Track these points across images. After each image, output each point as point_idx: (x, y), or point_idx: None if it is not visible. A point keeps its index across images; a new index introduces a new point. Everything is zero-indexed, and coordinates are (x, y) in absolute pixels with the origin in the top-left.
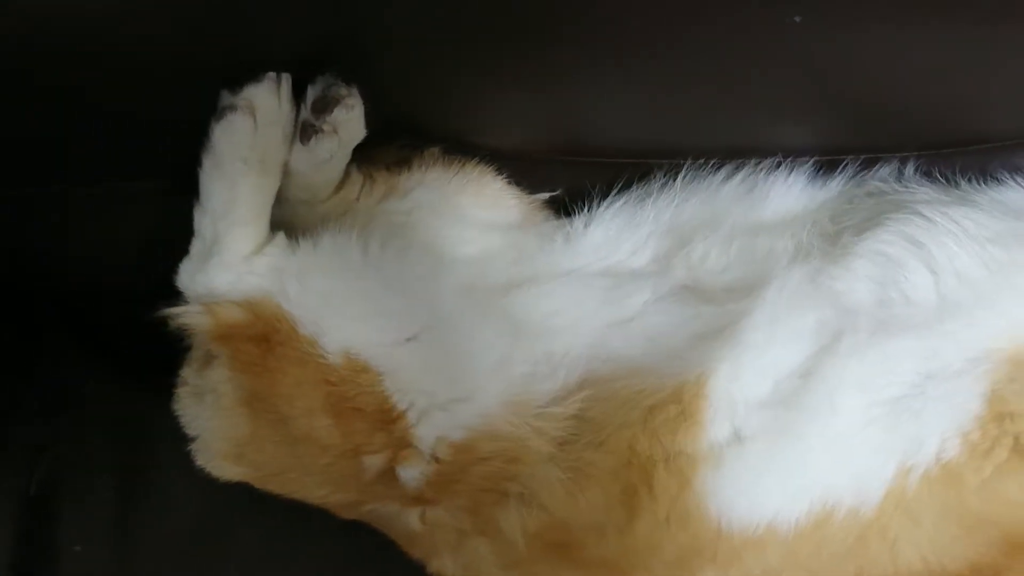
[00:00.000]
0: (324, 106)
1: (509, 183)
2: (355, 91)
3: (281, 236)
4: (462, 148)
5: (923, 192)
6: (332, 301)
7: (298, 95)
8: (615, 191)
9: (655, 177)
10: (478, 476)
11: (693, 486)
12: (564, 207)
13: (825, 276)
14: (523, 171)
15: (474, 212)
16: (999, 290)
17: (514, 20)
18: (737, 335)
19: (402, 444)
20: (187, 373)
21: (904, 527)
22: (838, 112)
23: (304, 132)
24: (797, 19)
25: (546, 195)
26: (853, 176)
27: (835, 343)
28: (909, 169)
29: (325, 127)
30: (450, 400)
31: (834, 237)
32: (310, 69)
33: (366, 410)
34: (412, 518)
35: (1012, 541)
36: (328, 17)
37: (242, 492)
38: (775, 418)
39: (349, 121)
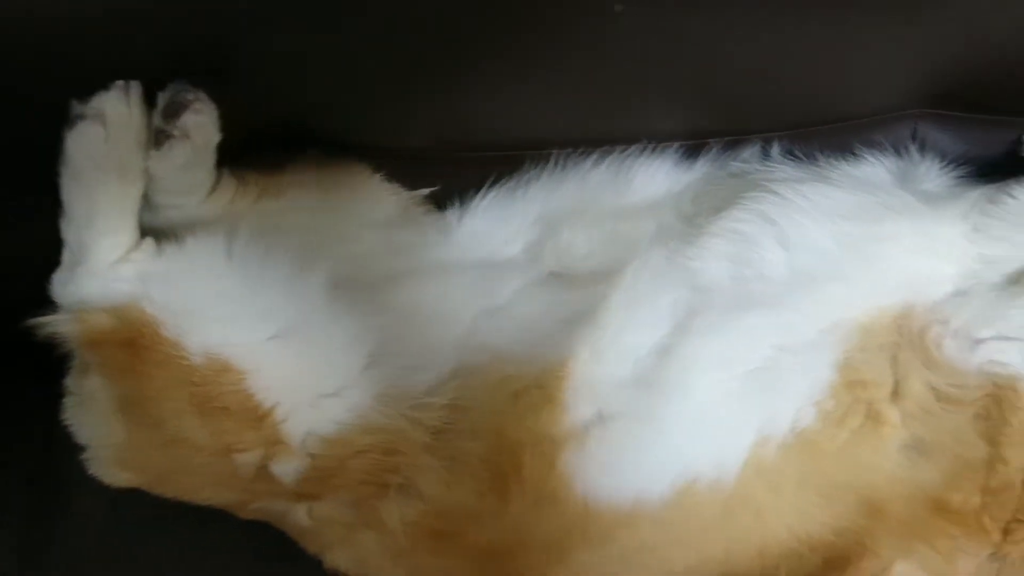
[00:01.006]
0: (173, 111)
1: (387, 180)
2: (203, 95)
3: (149, 241)
4: (340, 147)
5: (781, 171)
6: (194, 303)
7: None
8: (489, 184)
9: (527, 168)
10: (356, 469)
11: (559, 468)
12: (445, 201)
13: (681, 256)
14: (402, 167)
15: (349, 209)
16: (849, 262)
17: (386, 21)
18: (596, 318)
19: (272, 441)
20: (69, 382)
21: (766, 497)
22: (702, 96)
23: (157, 138)
24: (618, 8)
25: (425, 191)
26: (718, 158)
27: (690, 321)
28: (774, 149)
29: (176, 132)
30: (319, 395)
31: (693, 218)
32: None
33: (232, 409)
34: (301, 514)
35: (870, 504)
36: (205, 23)
37: (149, 499)
38: (635, 397)
39: (200, 125)
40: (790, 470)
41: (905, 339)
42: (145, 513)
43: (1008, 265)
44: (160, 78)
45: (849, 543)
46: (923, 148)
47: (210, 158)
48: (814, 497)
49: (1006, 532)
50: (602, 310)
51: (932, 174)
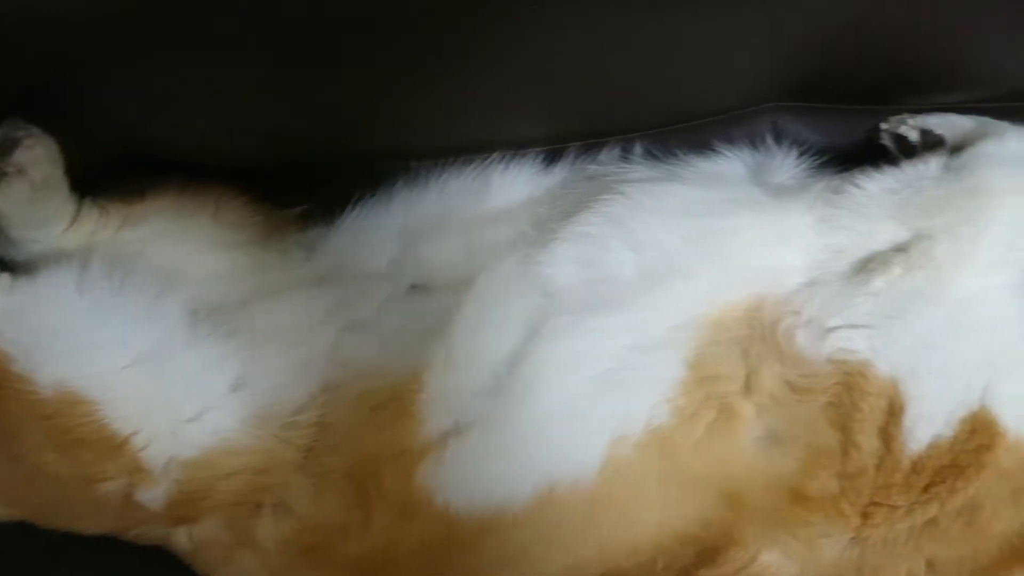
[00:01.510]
0: (5, 149)
1: (252, 201)
2: (36, 131)
3: (4, 277)
4: (204, 170)
5: (634, 172)
6: (44, 336)
7: None
8: (355, 199)
9: (390, 181)
10: (227, 491)
11: (418, 480)
12: (318, 218)
13: (532, 262)
14: (268, 187)
15: (212, 233)
16: (695, 259)
17: (238, 39)
18: (449, 329)
19: (133, 469)
20: None
21: (629, 495)
22: (558, 102)
23: None
24: None
25: (294, 209)
26: (577, 162)
27: (542, 326)
28: (635, 150)
29: (10, 169)
30: (179, 421)
31: (547, 224)
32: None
33: (88, 440)
34: (182, 537)
35: (730, 496)
36: (51, 51)
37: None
38: (490, 405)
39: (35, 160)
40: (649, 467)
41: (757, 332)
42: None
43: (854, 254)
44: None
45: (715, 535)
46: (782, 141)
47: (57, 191)
48: (676, 492)
49: (865, 516)
50: (455, 320)
51: (785, 167)
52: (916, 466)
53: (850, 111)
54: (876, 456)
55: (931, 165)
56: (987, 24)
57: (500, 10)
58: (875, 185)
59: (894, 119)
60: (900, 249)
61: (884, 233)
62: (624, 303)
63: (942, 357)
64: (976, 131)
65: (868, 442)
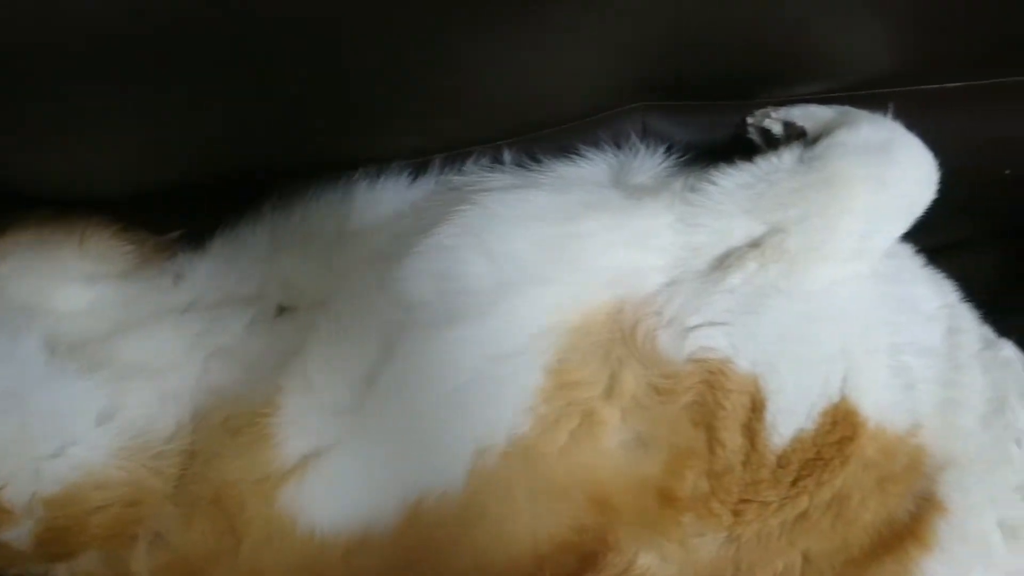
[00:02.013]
0: None
1: (123, 229)
2: None
3: None
4: (70, 202)
5: (495, 180)
6: None
7: None
8: (226, 222)
9: (260, 202)
10: (99, 525)
11: (281, 504)
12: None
13: (389, 278)
14: (142, 214)
15: (78, 266)
16: (551, 265)
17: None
18: (308, 348)
19: None
20: None
21: (499, 506)
22: (423, 112)
23: None
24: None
25: (172, 235)
26: (443, 173)
27: (398, 342)
28: (505, 157)
29: None
30: (39, 458)
31: (406, 237)
32: None
33: None
34: (62, 573)
35: (601, 502)
36: None
37: None
38: (350, 425)
39: None
40: (516, 477)
41: (618, 335)
42: None
43: (712, 251)
44: None
45: (592, 540)
46: (651, 140)
47: None
48: (546, 500)
49: (736, 513)
50: (312, 340)
51: (647, 167)
52: (782, 461)
53: (717, 107)
54: (742, 453)
55: (785, 158)
56: (841, 13)
57: (354, 26)
58: (730, 181)
59: (758, 113)
60: (755, 244)
61: (740, 229)
62: (480, 314)
63: (799, 350)
64: (835, 121)
65: (733, 439)
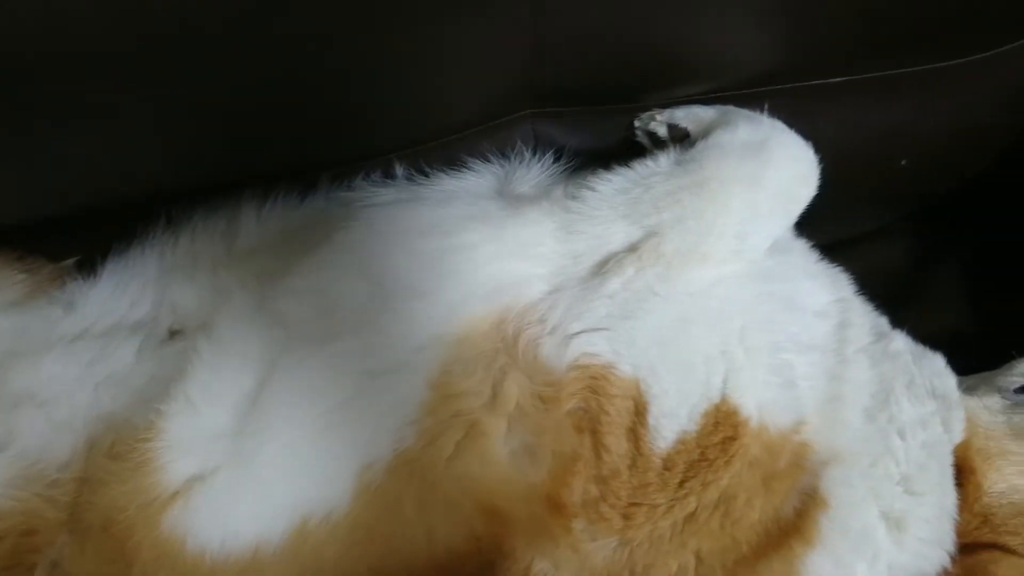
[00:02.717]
0: None
1: (18, 258)
2: None
3: None
4: None
5: (379, 195)
6: None
7: None
8: (116, 248)
9: (149, 226)
10: None
11: (168, 528)
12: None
13: (269, 299)
14: (36, 242)
15: None
16: (433, 279)
17: None
18: (189, 371)
19: None
20: None
21: (389, 522)
22: (306, 126)
23: None
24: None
25: (68, 262)
26: (334, 188)
27: (278, 361)
28: (397, 171)
29: None
30: None
31: (289, 256)
32: None
33: None
34: None
35: (491, 511)
36: None
37: None
38: (233, 446)
39: None
40: (405, 491)
41: (502, 345)
42: None
43: (592, 257)
44: None
45: (488, 549)
46: (542, 148)
47: None
48: (436, 512)
49: (626, 517)
50: (193, 363)
51: (530, 176)
52: (667, 463)
53: (605, 112)
54: (628, 457)
55: (661, 161)
56: (717, 13)
57: (242, 42)
58: (608, 187)
59: (645, 116)
60: (633, 249)
61: (618, 234)
62: (360, 330)
63: (679, 353)
64: (716, 121)
65: (618, 444)
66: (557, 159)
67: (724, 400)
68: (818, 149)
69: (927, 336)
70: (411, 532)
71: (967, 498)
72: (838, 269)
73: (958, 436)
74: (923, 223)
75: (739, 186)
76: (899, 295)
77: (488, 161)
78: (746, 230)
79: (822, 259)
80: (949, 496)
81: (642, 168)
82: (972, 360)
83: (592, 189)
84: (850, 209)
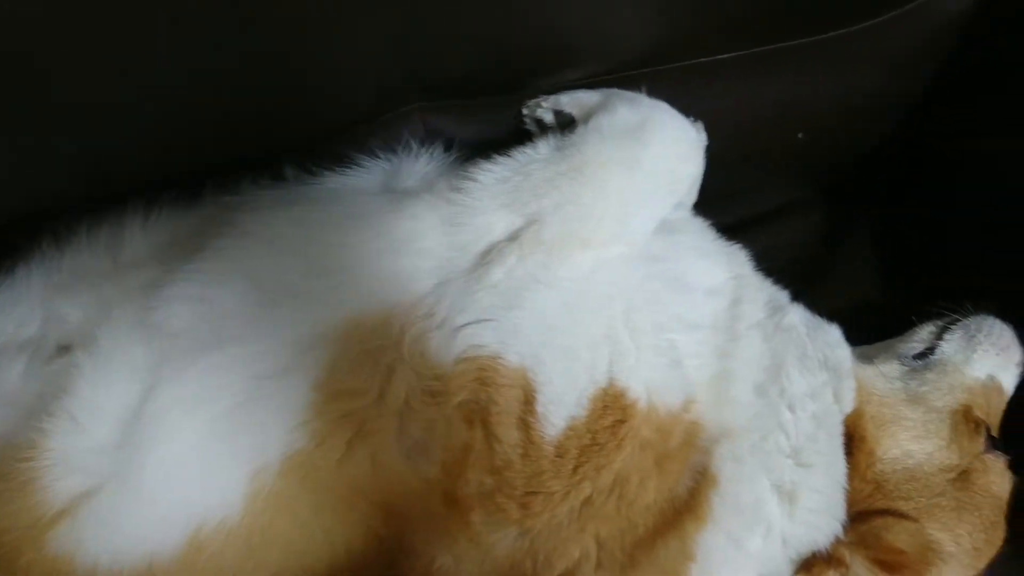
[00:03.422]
0: None
1: None
2: None
3: None
4: None
5: (265, 198)
6: None
7: None
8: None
9: (34, 244)
10: None
11: (56, 547)
12: None
13: (151, 310)
14: None
15: None
16: (316, 280)
17: None
18: (72, 387)
19: None
20: None
21: (285, 525)
22: (184, 131)
23: None
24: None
25: None
26: (220, 194)
27: (161, 372)
28: (287, 172)
29: None
30: None
31: (172, 264)
32: None
33: None
34: None
35: (388, 508)
36: None
37: None
38: (120, 459)
39: None
40: (297, 494)
41: (390, 342)
42: None
43: (476, 248)
44: None
45: (389, 547)
46: (433, 141)
47: None
48: (332, 513)
49: (524, 507)
50: (75, 378)
51: (418, 169)
52: (559, 450)
53: (494, 102)
54: (520, 446)
55: (541, 148)
56: None
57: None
58: (488, 176)
59: (531, 103)
60: (514, 237)
61: (500, 223)
62: (243, 335)
63: (563, 340)
64: (598, 105)
65: (509, 434)
66: (448, 151)
67: (611, 383)
68: (715, 126)
69: (837, 307)
70: (310, 534)
71: (858, 466)
72: (736, 247)
73: (848, 406)
74: (832, 196)
75: (616, 169)
76: (810, 268)
77: (376, 157)
78: (627, 212)
79: (720, 237)
80: (839, 466)
81: (522, 156)
82: (881, 328)
83: (473, 180)
84: (756, 185)
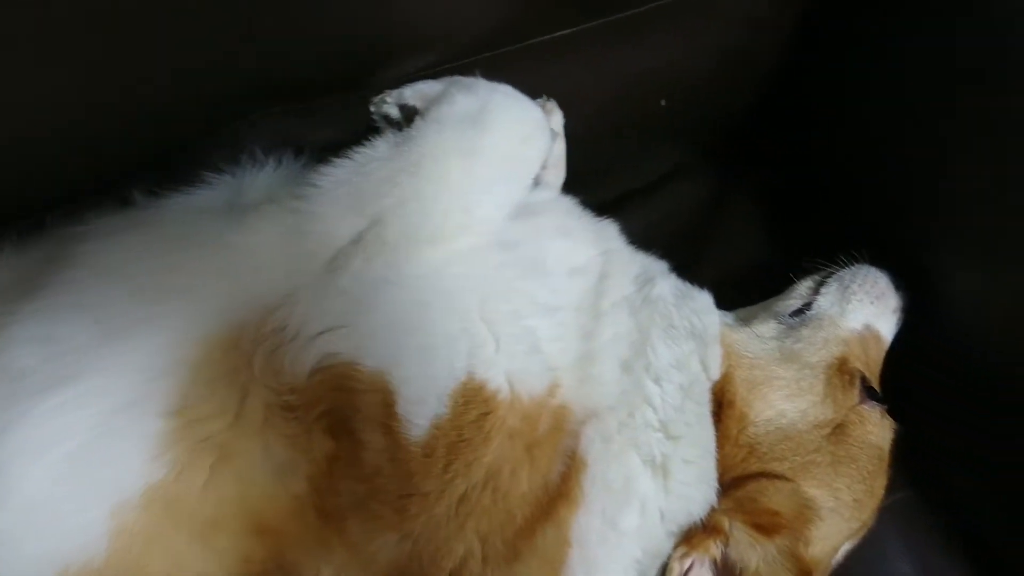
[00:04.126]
0: None
1: None
2: None
3: None
4: None
5: (103, 227)
6: None
7: None
8: None
9: None
10: None
11: None
12: None
13: None
14: None
15: None
16: (157, 306)
17: None
18: None
19: None
20: None
21: (159, 559)
22: (30, 162)
23: None
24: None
25: None
26: (62, 225)
27: (8, 416)
28: (137, 195)
29: None
30: None
31: (14, 304)
32: None
33: None
34: None
35: (260, 528)
36: None
37: None
38: None
39: None
40: (163, 525)
41: (243, 361)
42: None
43: (324, 256)
44: None
45: (270, 569)
46: (284, 148)
47: None
48: (207, 541)
49: (400, 511)
50: None
51: (261, 181)
52: (427, 450)
53: (340, 100)
54: (387, 451)
55: (380, 146)
56: None
57: None
58: (328, 181)
59: (377, 99)
60: (358, 240)
61: (345, 228)
62: (89, 371)
63: (419, 338)
64: (439, 95)
65: (374, 440)
66: (300, 157)
67: (470, 377)
68: (576, 102)
69: (728, 271)
70: (186, 564)
71: (729, 432)
72: (606, 222)
73: (716, 373)
74: (715, 160)
75: (456, 159)
76: (697, 235)
77: (221, 172)
78: (471, 203)
79: (588, 214)
80: (707, 434)
81: (360, 156)
82: (771, 289)
83: (314, 186)
84: (633, 157)
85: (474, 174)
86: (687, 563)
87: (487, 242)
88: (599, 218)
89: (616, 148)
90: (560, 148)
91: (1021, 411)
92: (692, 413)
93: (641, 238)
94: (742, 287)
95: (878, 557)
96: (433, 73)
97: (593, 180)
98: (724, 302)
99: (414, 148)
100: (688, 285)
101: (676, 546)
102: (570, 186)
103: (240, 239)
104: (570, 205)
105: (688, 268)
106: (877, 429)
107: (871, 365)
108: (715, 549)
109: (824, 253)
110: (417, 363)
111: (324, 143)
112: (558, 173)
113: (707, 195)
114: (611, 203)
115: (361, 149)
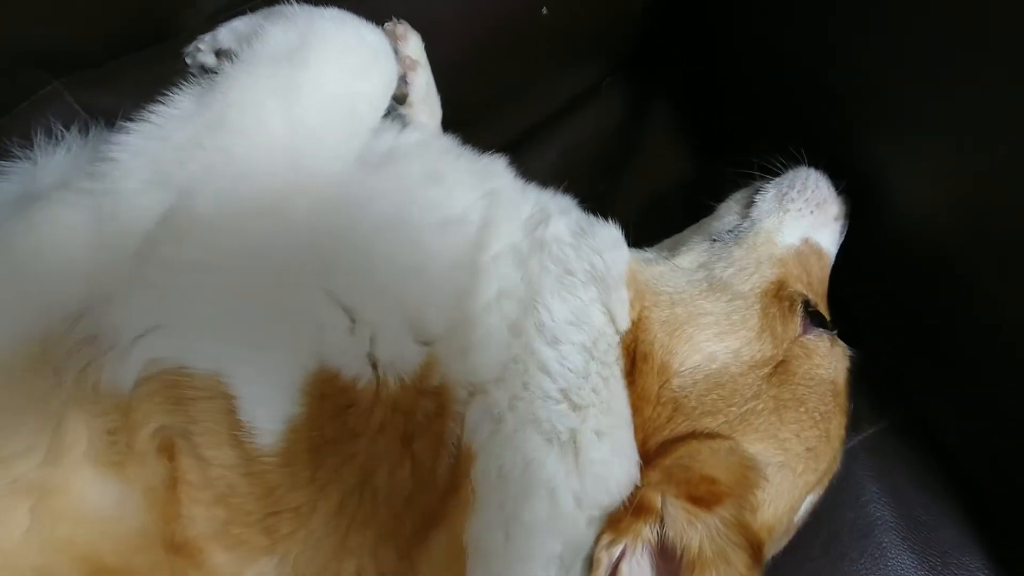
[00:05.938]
0: None
1: None
2: None
3: None
4: None
5: None
6: None
7: None
8: None
9: None
10: None
11: None
12: None
13: None
14: None
15: None
16: None
17: None
18: None
19: None
20: None
21: None
22: None
23: None
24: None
25: None
26: None
27: None
28: None
29: None
30: None
31: None
32: None
33: None
34: None
35: (99, 570)
36: None
37: None
38: None
39: None
40: None
41: (53, 384)
42: None
43: (132, 242)
44: None
45: None
46: (90, 121)
47: None
48: None
49: (268, 531)
50: None
51: (56, 163)
52: (286, 458)
53: (149, 56)
54: (239, 465)
55: (179, 101)
56: None
57: None
58: (123, 151)
59: (190, 47)
60: (166, 219)
61: (151, 205)
62: None
63: (251, 326)
64: (253, 31)
65: (221, 454)
66: (110, 128)
67: (321, 366)
68: (443, 23)
69: (654, 191)
70: None
71: (648, 389)
72: (492, 159)
73: (625, 321)
74: (628, 72)
75: (271, 103)
76: (617, 156)
77: (16, 157)
78: (299, 156)
79: (467, 153)
80: (620, 397)
81: (158, 116)
82: (704, 207)
83: (107, 159)
84: (537, 80)
85: (297, 121)
86: (616, 551)
87: (330, 200)
88: (484, 155)
89: (512, 72)
90: (424, 78)
91: (985, 306)
92: (599, 376)
93: (557, 169)
94: (672, 212)
95: (850, 504)
96: (252, 6)
97: (492, 114)
98: (653, 230)
99: (219, 98)
100: (592, 219)
101: (600, 534)
102: (460, 124)
103: (30, 236)
104: (446, 145)
105: (610, 197)
106: (827, 360)
107: (815, 285)
108: (648, 532)
109: (758, 161)
110: (256, 357)
111: (136, 107)
112: (430, 110)
113: (623, 111)
114: (520, 137)
115: (159, 107)
